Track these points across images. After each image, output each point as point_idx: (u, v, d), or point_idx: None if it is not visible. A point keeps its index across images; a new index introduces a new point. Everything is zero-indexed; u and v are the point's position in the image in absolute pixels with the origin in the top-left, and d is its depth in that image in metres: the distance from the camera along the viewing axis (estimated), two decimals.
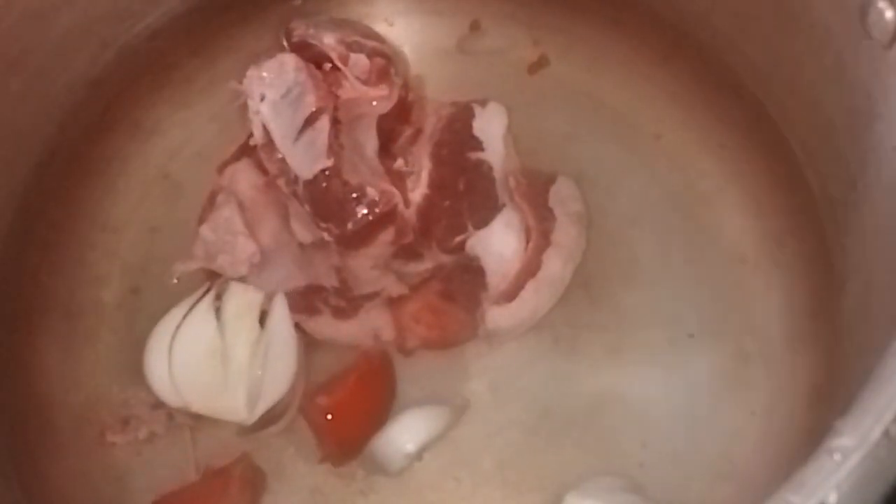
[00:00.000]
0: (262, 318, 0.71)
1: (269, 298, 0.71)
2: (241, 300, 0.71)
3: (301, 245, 0.73)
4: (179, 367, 0.69)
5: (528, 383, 0.71)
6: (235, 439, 0.70)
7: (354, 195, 0.71)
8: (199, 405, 0.69)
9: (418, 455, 0.68)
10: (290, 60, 0.73)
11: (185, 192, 0.78)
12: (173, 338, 0.70)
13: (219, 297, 0.71)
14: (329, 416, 0.68)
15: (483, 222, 0.73)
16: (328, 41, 0.75)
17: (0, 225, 0.72)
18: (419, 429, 0.68)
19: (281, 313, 0.70)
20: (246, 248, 0.72)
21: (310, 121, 0.72)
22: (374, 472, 0.68)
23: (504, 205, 0.73)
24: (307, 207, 0.72)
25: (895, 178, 0.60)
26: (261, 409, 0.69)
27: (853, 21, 0.60)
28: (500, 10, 0.82)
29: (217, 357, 0.69)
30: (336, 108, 0.73)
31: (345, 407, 0.68)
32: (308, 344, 0.72)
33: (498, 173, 0.74)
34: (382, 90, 0.75)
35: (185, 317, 0.71)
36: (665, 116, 0.78)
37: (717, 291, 0.73)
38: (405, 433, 0.68)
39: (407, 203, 0.74)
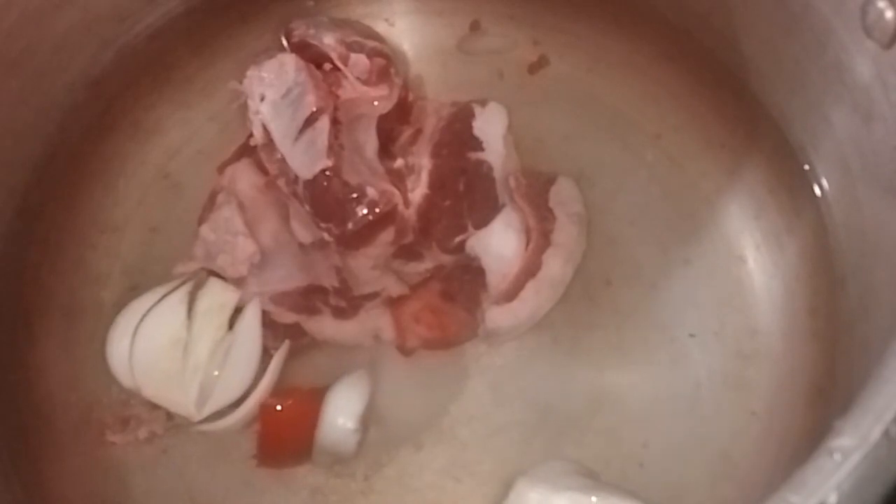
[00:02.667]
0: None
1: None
2: (215, 298, 0.71)
3: (301, 245, 0.73)
4: (140, 350, 0.70)
5: (528, 383, 0.71)
6: (234, 438, 0.70)
7: (354, 195, 0.71)
8: (150, 391, 0.70)
9: (364, 427, 0.68)
10: (290, 60, 0.73)
11: (185, 192, 0.78)
12: (142, 320, 0.70)
13: (197, 290, 0.71)
14: (267, 421, 0.69)
15: (483, 222, 0.73)
16: (328, 41, 0.75)
17: (0, 225, 0.72)
18: (349, 404, 0.68)
19: (251, 319, 0.71)
20: (246, 248, 0.72)
21: (310, 121, 0.72)
22: (337, 463, 0.68)
23: (504, 205, 0.73)
24: (307, 207, 0.72)
25: (895, 178, 0.60)
26: (209, 409, 0.69)
27: (853, 21, 0.60)
28: (500, 10, 0.81)
29: (179, 349, 0.70)
30: (336, 109, 0.73)
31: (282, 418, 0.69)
32: (308, 344, 0.72)
33: (498, 173, 0.74)
34: (382, 90, 0.75)
35: (158, 302, 0.71)
36: (665, 116, 0.78)
37: (717, 291, 0.73)
38: (339, 415, 0.68)
39: (407, 203, 0.74)
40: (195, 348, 0.70)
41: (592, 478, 0.67)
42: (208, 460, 0.70)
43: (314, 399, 0.69)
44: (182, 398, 0.69)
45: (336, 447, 0.68)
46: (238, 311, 0.72)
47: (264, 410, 0.69)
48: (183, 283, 0.72)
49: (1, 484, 0.65)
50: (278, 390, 0.70)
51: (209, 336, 0.70)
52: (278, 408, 0.69)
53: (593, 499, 0.64)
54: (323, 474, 0.69)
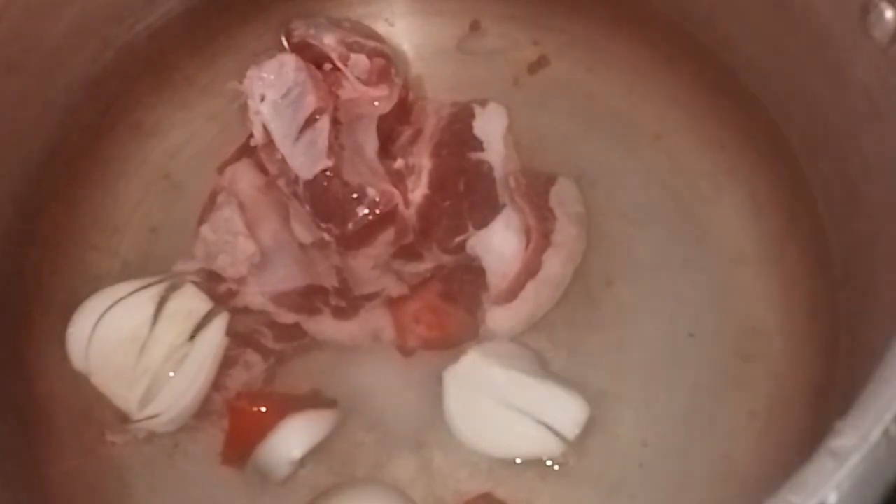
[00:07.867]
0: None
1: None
2: (185, 304, 0.71)
3: (301, 245, 0.73)
4: (100, 337, 0.70)
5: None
6: None
7: (354, 195, 0.71)
8: (98, 379, 0.70)
9: (302, 465, 0.68)
10: (290, 60, 0.73)
11: (185, 192, 0.78)
12: (110, 308, 0.70)
13: (171, 292, 0.71)
14: (237, 422, 0.69)
15: (483, 222, 0.73)
16: (328, 41, 0.75)
17: (0, 225, 0.72)
18: (306, 434, 0.68)
19: (215, 333, 0.70)
20: (246, 248, 0.72)
21: (310, 121, 0.72)
22: (261, 482, 0.68)
23: (504, 205, 0.74)
24: (307, 208, 0.72)
25: (895, 179, 0.60)
26: (149, 411, 0.69)
27: (853, 21, 0.60)
28: (500, 10, 0.82)
29: (136, 345, 0.69)
30: (336, 109, 0.73)
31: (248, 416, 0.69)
32: (308, 344, 0.72)
33: (498, 173, 0.74)
34: (382, 90, 0.75)
35: (130, 294, 0.71)
36: (665, 116, 0.78)
37: (717, 291, 0.73)
38: (292, 439, 0.67)
39: (407, 203, 0.74)
40: (151, 349, 0.69)
41: (544, 367, 0.68)
42: (208, 460, 0.70)
43: (288, 405, 0.69)
44: (127, 394, 0.69)
45: (269, 467, 0.68)
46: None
47: (234, 411, 0.69)
48: (160, 280, 0.72)
49: (1, 484, 0.65)
50: (255, 393, 0.70)
51: (168, 340, 0.70)
52: (256, 409, 0.69)
53: (532, 381, 0.65)
54: (323, 474, 0.69)
